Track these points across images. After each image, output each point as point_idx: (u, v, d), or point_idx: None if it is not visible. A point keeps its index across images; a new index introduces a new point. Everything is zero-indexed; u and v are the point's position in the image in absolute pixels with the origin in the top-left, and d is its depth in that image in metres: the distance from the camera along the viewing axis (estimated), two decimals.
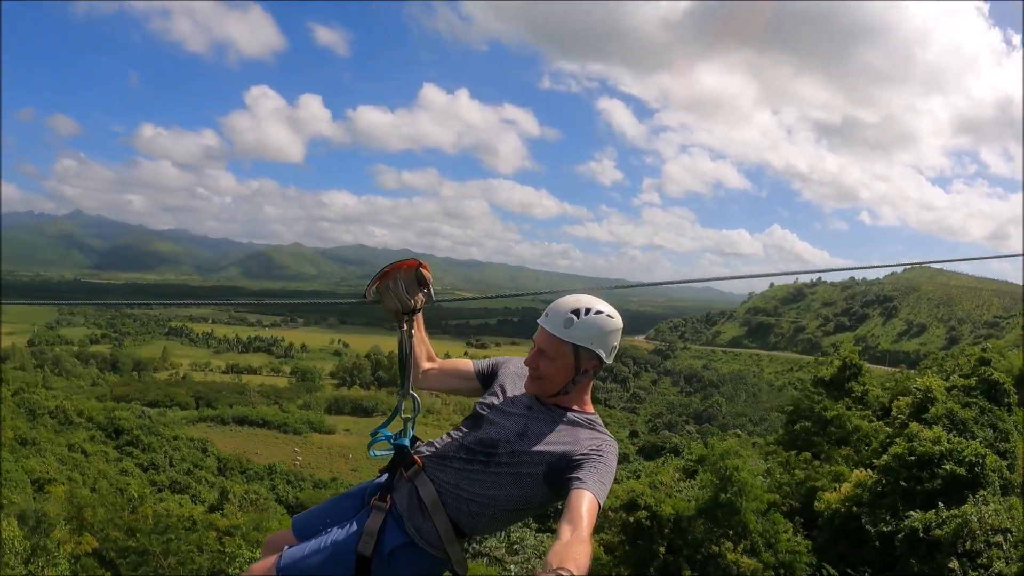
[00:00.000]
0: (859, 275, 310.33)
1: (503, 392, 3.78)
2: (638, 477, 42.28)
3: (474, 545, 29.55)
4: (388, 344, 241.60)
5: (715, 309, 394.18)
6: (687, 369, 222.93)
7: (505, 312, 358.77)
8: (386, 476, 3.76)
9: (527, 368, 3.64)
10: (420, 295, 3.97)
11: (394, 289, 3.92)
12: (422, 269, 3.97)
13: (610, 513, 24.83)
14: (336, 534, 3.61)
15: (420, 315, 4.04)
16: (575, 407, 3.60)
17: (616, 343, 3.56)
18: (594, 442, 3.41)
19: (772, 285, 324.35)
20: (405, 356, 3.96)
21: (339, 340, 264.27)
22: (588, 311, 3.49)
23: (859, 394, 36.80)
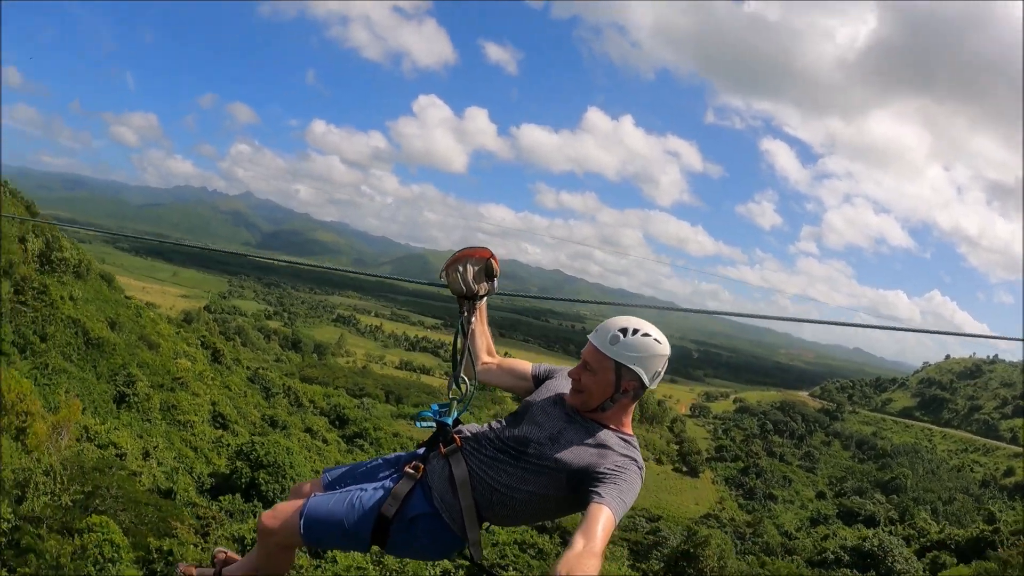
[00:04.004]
0: None
1: (549, 397, 3.94)
2: None
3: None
4: (555, 364, 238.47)
5: (868, 370, 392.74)
6: (857, 434, 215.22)
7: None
8: (423, 449, 3.99)
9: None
10: (485, 284, 4.16)
11: (462, 273, 4.12)
12: (492, 260, 4.15)
13: None
14: (363, 491, 3.86)
15: (483, 308, 4.30)
16: (612, 425, 3.75)
17: (660, 369, 3.70)
18: (622, 460, 3.56)
19: (948, 357, 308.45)
20: (462, 340, 4.19)
21: (506, 352, 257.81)
22: (636, 332, 3.66)
23: None
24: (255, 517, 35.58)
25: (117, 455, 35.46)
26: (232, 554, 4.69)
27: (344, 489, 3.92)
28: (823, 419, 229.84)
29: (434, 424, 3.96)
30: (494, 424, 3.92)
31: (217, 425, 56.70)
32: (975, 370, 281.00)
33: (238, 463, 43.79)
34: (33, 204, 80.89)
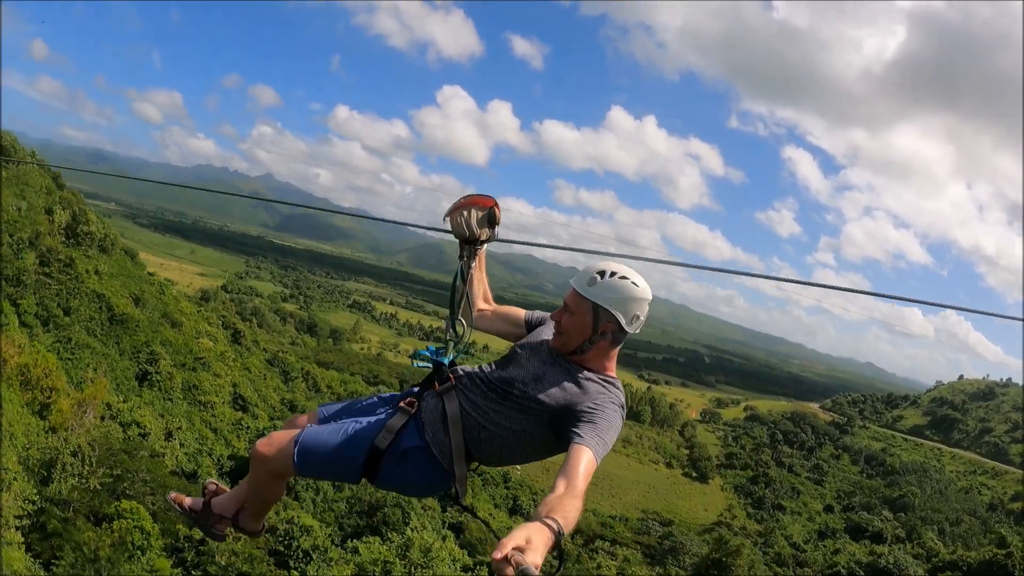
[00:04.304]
0: None
1: (535, 341, 4.00)
2: None
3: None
4: None
5: (879, 385, 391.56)
6: (866, 449, 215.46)
7: (668, 350, 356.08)
8: (417, 388, 4.03)
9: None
10: (487, 230, 4.20)
11: (466, 218, 4.15)
12: (495, 208, 4.21)
13: None
14: (358, 423, 3.91)
15: (483, 255, 4.34)
16: (594, 367, 3.77)
17: (639, 313, 3.73)
18: (601, 398, 3.59)
19: (961, 377, 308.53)
20: (460, 284, 4.21)
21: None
22: (613, 274, 3.70)
23: None
24: (281, 504, 35.28)
25: (140, 434, 34.94)
26: (222, 486, 4.67)
27: (340, 422, 3.96)
28: (833, 432, 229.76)
29: (430, 364, 4.03)
30: (484, 367, 3.99)
31: (237, 407, 56.29)
32: (988, 392, 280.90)
33: None
34: (59, 176, 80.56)
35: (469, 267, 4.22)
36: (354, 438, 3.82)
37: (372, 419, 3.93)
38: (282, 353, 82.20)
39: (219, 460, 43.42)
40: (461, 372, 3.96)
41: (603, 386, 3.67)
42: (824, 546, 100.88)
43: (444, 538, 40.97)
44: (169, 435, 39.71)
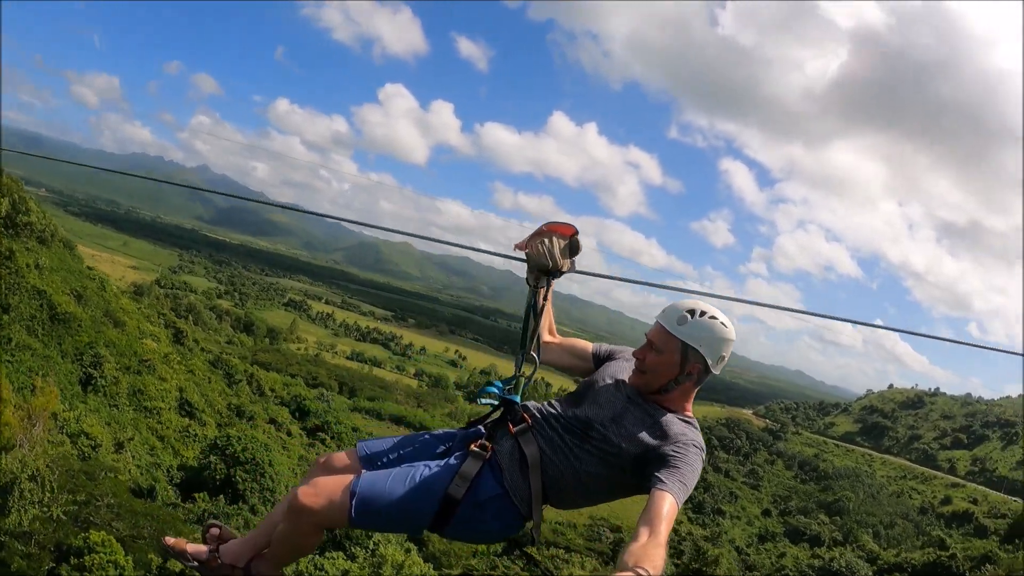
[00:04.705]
0: (976, 392, 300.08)
1: (611, 378, 3.88)
2: None
3: None
4: (505, 366, 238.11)
5: (809, 393, 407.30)
6: (799, 454, 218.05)
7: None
8: (480, 426, 3.90)
9: (635, 359, 3.78)
10: (568, 261, 4.02)
11: (548, 246, 3.96)
12: (577, 237, 4.02)
13: None
14: (423, 470, 3.65)
15: (552, 286, 4.11)
16: (674, 408, 3.70)
17: (725, 354, 3.67)
18: (683, 439, 3.51)
19: (891, 386, 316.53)
20: (534, 317, 4.03)
21: (456, 351, 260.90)
22: (704, 314, 3.64)
23: None
24: (243, 521, 33.28)
25: (90, 447, 32.36)
26: (229, 530, 4.21)
27: (399, 467, 3.67)
28: (767, 438, 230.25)
29: (496, 402, 3.85)
30: (555, 404, 3.82)
31: (184, 413, 53.41)
32: (917, 401, 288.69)
33: (212, 458, 41.03)
34: None
35: (545, 298, 4.01)
36: (424, 487, 3.55)
37: (438, 464, 3.66)
38: (225, 355, 79.08)
39: (169, 471, 41.03)
40: (534, 411, 3.79)
41: (685, 428, 3.57)
42: (766, 549, 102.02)
43: (408, 551, 39.24)
44: (120, 446, 37.11)
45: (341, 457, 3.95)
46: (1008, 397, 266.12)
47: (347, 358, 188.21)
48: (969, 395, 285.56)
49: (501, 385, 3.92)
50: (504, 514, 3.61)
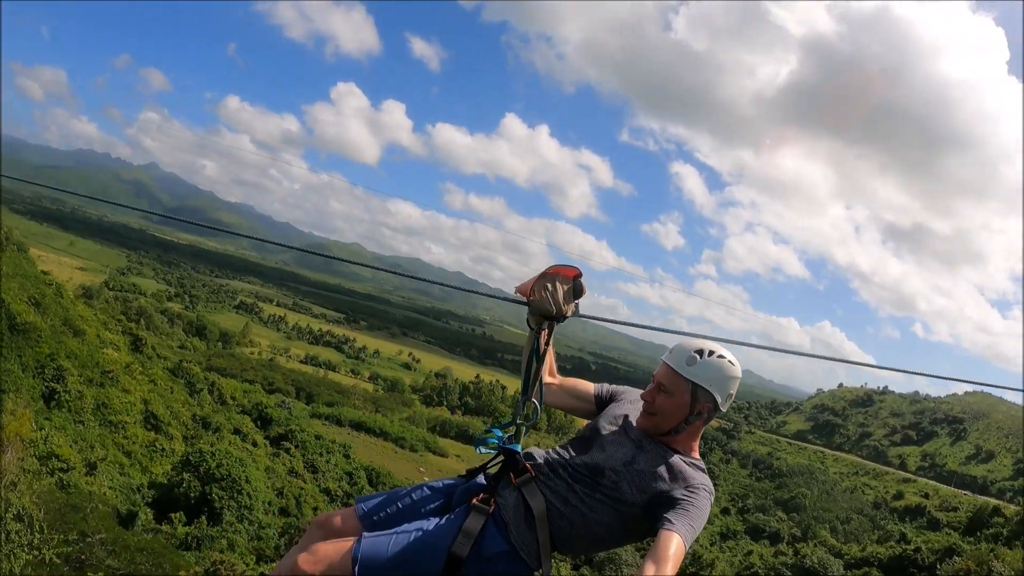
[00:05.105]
0: (924, 391, 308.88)
1: (616, 421, 3.82)
2: None
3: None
4: (459, 368, 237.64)
5: (758, 392, 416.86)
6: (753, 453, 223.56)
7: (557, 358, 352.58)
8: (480, 477, 3.81)
9: (643, 402, 3.74)
10: (572, 305, 3.93)
11: (551, 292, 3.88)
12: (580, 279, 3.94)
13: None
14: (426, 528, 3.55)
15: (554, 330, 4.06)
16: (682, 449, 3.68)
17: (733, 392, 3.66)
18: (693, 483, 3.49)
19: (841, 385, 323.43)
20: (537, 361, 3.94)
21: (410, 353, 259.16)
22: (712, 353, 3.62)
23: None
24: (226, 543, 31.95)
25: (60, 469, 30.45)
26: None
27: (400, 528, 3.54)
28: (721, 437, 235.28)
29: (498, 451, 3.77)
30: (560, 451, 3.74)
31: (149, 427, 51.24)
32: (866, 399, 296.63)
33: (184, 475, 39.35)
34: None
35: (548, 344, 3.93)
36: (427, 546, 3.44)
37: (440, 520, 3.55)
38: (186, 363, 76.81)
39: (140, 490, 39.16)
40: (538, 460, 3.71)
41: (695, 472, 3.54)
42: (728, 548, 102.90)
43: None
44: (92, 467, 35.18)
45: (339, 518, 3.75)
46: (955, 394, 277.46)
47: (301, 362, 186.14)
48: (917, 393, 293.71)
49: (500, 433, 3.81)
50: (512, 569, 3.47)
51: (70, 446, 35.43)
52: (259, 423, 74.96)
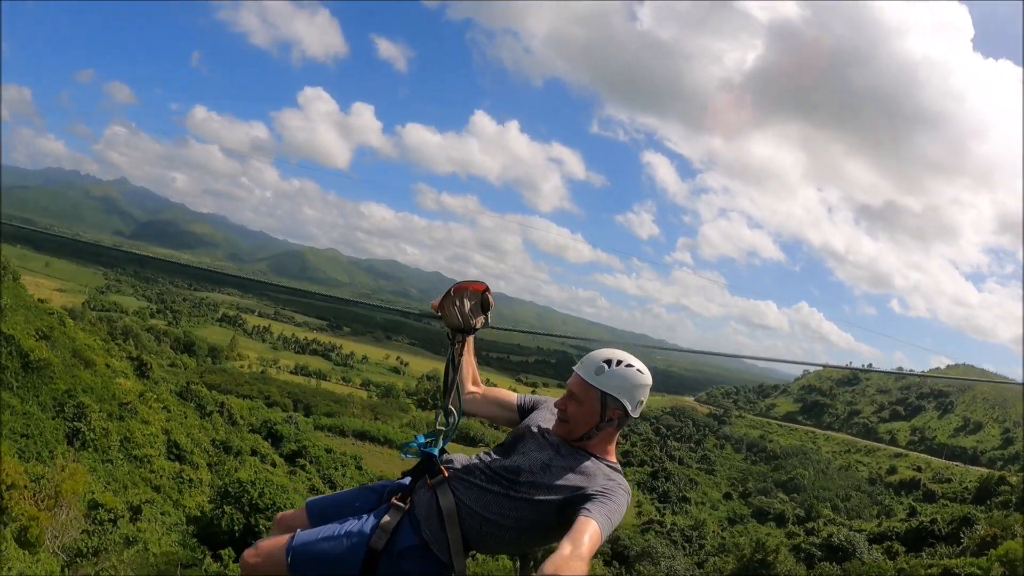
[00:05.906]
0: (904, 367, 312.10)
1: (536, 427, 4.01)
2: None
3: None
4: (436, 367, 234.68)
5: (743, 376, 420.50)
6: (746, 437, 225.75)
7: (539, 352, 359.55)
8: (408, 479, 3.99)
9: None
10: (481, 318, 4.19)
11: (459, 306, 4.15)
12: (488, 294, 4.18)
13: None
14: (351, 525, 3.80)
15: (471, 338, 4.33)
16: (598, 453, 3.85)
17: (643, 398, 3.86)
18: (609, 483, 3.65)
19: (826, 365, 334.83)
20: (453, 370, 4.21)
21: (397, 357, 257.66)
22: (620, 363, 3.82)
23: None
24: None
25: (110, 520, 28.47)
26: None
27: (331, 524, 3.82)
28: (712, 423, 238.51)
29: (419, 455, 3.98)
30: (483, 456, 3.93)
31: (172, 457, 49.22)
32: (852, 378, 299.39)
33: (225, 507, 37.66)
34: None
35: (461, 354, 4.18)
36: (350, 539, 3.69)
37: (365, 517, 3.80)
38: (194, 384, 74.83)
39: (178, 527, 37.30)
40: (457, 464, 3.90)
41: (610, 473, 3.72)
42: (736, 531, 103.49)
43: None
44: (137, 512, 33.24)
45: (293, 516, 4.06)
46: (938, 369, 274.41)
47: (291, 372, 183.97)
48: (900, 368, 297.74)
49: (423, 439, 4.03)
50: (424, 563, 3.66)
51: (104, 489, 33.59)
52: (271, 440, 73.31)
